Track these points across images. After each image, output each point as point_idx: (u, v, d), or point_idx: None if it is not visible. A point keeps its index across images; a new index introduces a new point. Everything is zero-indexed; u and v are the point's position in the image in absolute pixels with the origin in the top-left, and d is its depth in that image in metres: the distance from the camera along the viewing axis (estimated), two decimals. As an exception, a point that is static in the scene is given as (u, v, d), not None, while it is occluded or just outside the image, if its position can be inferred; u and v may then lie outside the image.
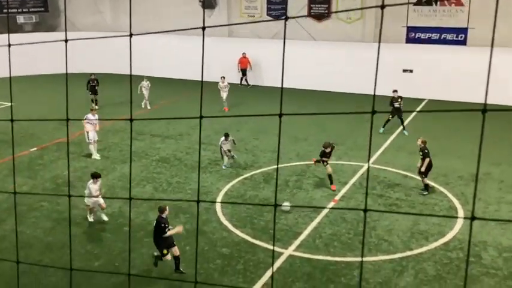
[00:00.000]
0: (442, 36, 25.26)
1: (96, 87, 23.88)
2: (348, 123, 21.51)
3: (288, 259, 11.21)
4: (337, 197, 14.27)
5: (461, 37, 24.90)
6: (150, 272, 10.80)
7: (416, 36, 25.83)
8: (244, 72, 28.66)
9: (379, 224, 12.78)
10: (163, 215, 10.51)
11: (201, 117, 2.84)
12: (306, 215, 13.30)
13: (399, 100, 19.81)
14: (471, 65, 23.35)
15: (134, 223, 12.87)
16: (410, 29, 25.94)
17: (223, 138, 16.48)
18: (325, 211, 13.46)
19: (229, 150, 16.50)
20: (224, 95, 23.45)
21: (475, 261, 11.08)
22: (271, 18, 29.03)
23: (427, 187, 14.49)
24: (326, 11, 27.92)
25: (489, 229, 12.42)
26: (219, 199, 14.24)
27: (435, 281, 10.38)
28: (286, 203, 13.28)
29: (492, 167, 16.41)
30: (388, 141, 19.17)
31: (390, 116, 19.54)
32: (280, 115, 2.70)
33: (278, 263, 11.07)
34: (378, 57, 2.65)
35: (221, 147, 16.51)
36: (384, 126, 19.91)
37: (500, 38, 23.59)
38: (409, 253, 11.43)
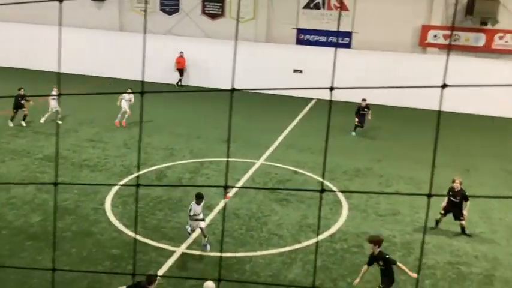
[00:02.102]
0: (329, 39, 26.58)
1: (24, 103, 19.50)
2: (240, 121, 21.82)
3: (180, 258, 11.11)
4: (230, 194, 14.42)
5: (346, 40, 26.38)
6: (32, 278, 10.09)
7: (306, 38, 26.91)
8: (181, 72, 27.41)
9: (270, 218, 13.13)
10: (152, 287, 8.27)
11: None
12: (199, 212, 13.27)
13: (365, 110, 20.35)
14: (355, 67, 24.84)
15: (14, 226, 11.96)
16: (300, 31, 26.95)
17: (193, 202, 11.22)
18: (217, 208, 13.52)
19: (196, 218, 11.28)
20: (125, 106, 20.31)
21: (358, 251, 11.79)
22: (164, 14, 28.57)
23: (464, 229, 12.54)
24: (220, 10, 28.08)
25: (370, 221, 13.30)
26: (109, 198, 13.71)
27: (321, 271, 10.89)
28: None
29: (373, 162, 17.61)
30: (279, 139, 19.76)
31: (357, 122, 20.36)
32: (234, 90, 2.77)
33: (170, 262, 10.92)
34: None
35: (191, 213, 11.21)
36: (354, 130, 20.61)
37: (384, 42, 25.39)
38: (297, 246, 11.87)
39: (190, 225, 11.40)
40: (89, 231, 11.96)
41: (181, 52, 27.15)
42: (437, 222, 12.75)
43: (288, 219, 13.15)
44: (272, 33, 27.42)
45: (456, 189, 12.25)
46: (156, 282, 8.37)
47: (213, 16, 28.07)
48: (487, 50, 24.67)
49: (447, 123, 22.12)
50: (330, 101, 2.30)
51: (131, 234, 11.99)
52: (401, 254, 11.73)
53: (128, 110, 20.22)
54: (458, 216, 12.39)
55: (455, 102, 23.86)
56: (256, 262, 11.06)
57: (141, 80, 28.24)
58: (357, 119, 20.47)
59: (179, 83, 27.63)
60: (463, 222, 12.38)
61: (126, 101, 20.26)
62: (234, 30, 27.81)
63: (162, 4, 28.66)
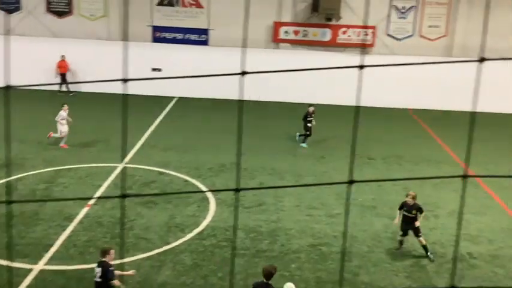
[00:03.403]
0: (186, 36, 26.47)
1: None
2: (99, 123, 20.79)
3: (38, 275, 10.25)
4: (91, 202, 13.64)
5: (203, 37, 26.49)
6: None
7: (162, 36, 26.49)
8: (64, 77, 24.79)
9: (137, 223, 12.70)
10: (107, 259, 8.81)
11: None
12: (57, 224, 12.37)
13: (312, 115, 19.26)
14: (213, 64, 25.11)
15: None
16: (156, 29, 26.45)
17: None
18: (78, 218, 12.71)
19: None
20: (63, 128, 17.85)
21: (227, 245, 11.91)
22: (4, 12, 26.07)
23: (426, 248, 11.77)
24: (67, 7, 26.38)
25: (237, 213, 13.53)
26: None
27: (192, 269, 10.82)
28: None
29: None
30: (142, 140, 19.20)
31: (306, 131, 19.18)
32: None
33: (27, 281, 10.02)
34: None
35: None
36: (304, 141, 19.36)
37: (240, 39, 25.93)
38: (166, 247, 11.64)
39: None
40: None
41: (62, 56, 25.05)
42: (400, 242, 11.99)
43: (155, 221, 12.83)
44: (127, 31, 26.53)
45: (410, 204, 11.58)
46: (112, 252, 8.80)
47: (60, 14, 26.30)
48: (333, 44, 26.51)
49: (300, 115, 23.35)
50: (123, 95, 2.18)
51: (-22, 257, 10.76)
52: (268, 241, 12.12)
53: (65, 131, 17.81)
54: (417, 232, 11.60)
55: (307, 93, 25.31)
56: (124, 269, 10.60)
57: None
58: (304, 128, 19.33)
59: (70, 90, 25.30)
60: (422, 239, 11.64)
61: (63, 121, 17.76)
62: (85, 28, 26.35)
63: (0, 2, 26.09)
